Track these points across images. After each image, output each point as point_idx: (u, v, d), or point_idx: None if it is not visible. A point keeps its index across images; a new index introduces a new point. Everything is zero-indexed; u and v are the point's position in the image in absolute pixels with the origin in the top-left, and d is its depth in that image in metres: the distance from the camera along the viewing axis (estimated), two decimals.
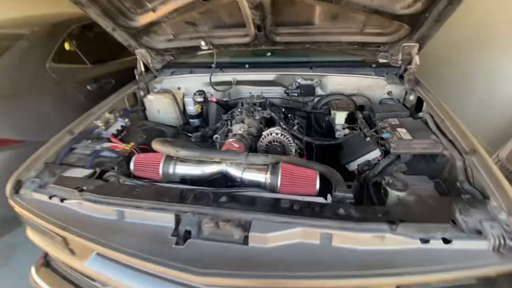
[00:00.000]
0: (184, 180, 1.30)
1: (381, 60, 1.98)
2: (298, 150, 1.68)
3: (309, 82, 2.11)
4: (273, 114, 1.77)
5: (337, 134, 1.77)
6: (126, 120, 2.02)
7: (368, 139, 1.54)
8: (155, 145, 1.29)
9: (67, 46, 2.74)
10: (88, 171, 1.38)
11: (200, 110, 2.25)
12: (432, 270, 0.84)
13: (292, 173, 1.19)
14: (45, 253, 1.58)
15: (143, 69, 2.34)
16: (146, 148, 1.64)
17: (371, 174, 1.48)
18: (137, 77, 2.21)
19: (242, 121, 1.72)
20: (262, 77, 2.20)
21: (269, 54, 2.34)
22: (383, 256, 0.89)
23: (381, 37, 1.77)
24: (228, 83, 2.25)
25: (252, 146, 1.61)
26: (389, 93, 2.02)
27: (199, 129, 2.38)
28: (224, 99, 2.31)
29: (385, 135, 1.50)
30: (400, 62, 1.86)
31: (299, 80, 2.13)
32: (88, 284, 1.38)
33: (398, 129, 1.52)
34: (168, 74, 2.40)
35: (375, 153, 1.49)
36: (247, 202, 1.05)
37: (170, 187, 1.20)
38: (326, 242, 0.93)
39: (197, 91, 2.23)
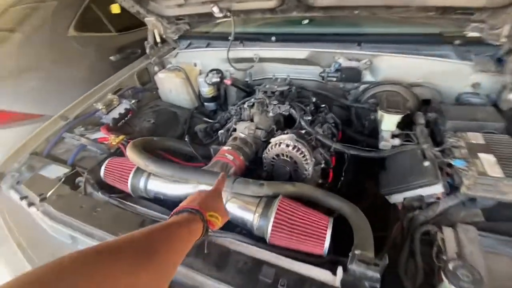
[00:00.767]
0: (158, 198, 1.02)
1: (470, 34, 1.30)
2: (322, 163, 1.25)
3: (353, 63, 1.55)
4: (293, 111, 1.33)
5: (382, 144, 1.26)
6: (132, 101, 1.80)
7: (427, 163, 1.03)
8: (128, 149, 1.02)
9: (115, 9, 2.40)
10: (66, 170, 1.21)
11: (212, 94, 1.90)
12: None
13: (291, 217, 0.81)
14: None
15: (158, 39, 2.05)
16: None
17: (422, 217, 1.00)
18: (147, 50, 1.93)
19: (252, 119, 1.33)
20: (291, 54, 1.71)
21: (305, 21, 1.80)
22: None
23: None
24: (250, 60, 1.82)
25: (258, 153, 1.24)
26: (475, 85, 1.36)
27: (216, 113, 2.08)
28: (246, 80, 1.90)
29: (456, 163, 0.97)
30: (504, 40, 1.18)
31: (340, 60, 1.58)
32: None
33: (480, 154, 0.97)
34: (184, 46, 2.06)
35: (435, 189, 0.98)
36: (214, 261, 0.73)
37: (132, 212, 0.94)
38: None
39: (212, 70, 1.86)
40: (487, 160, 0.94)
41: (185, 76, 1.88)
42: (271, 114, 1.31)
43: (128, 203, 1.00)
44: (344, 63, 1.57)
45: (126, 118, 1.76)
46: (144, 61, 1.99)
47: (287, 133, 1.16)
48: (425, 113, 1.31)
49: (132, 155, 0.99)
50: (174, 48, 2.10)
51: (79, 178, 1.13)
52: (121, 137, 1.36)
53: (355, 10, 1.34)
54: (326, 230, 0.79)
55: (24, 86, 2.11)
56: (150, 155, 0.98)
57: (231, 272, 0.70)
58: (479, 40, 1.30)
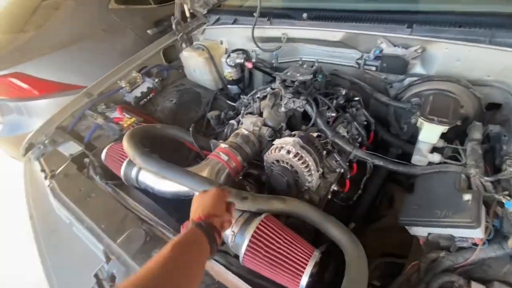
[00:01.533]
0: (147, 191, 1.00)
1: None
2: (339, 170, 1.08)
3: (399, 50, 1.24)
4: (308, 108, 1.14)
5: (415, 159, 1.01)
6: (156, 80, 1.79)
7: (468, 197, 0.78)
8: (124, 137, 1.00)
9: None
10: (80, 148, 1.26)
11: (234, 76, 1.77)
12: None
13: (269, 241, 0.70)
14: None
15: (187, 14, 1.96)
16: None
17: (447, 262, 0.79)
18: (173, 25, 1.85)
19: (261, 112, 1.19)
20: (324, 35, 1.45)
21: None
22: None
23: None
24: (277, 40, 1.61)
25: (262, 153, 1.11)
26: None
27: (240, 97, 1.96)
28: (272, 62, 1.72)
29: (508, 205, 0.71)
30: None
31: (382, 45, 1.28)
32: None
33: None
34: (213, 22, 1.93)
35: (473, 233, 0.75)
36: None
37: (121, 204, 0.93)
38: None
39: (235, 50, 1.72)
40: None
41: (208, 55, 1.77)
42: (283, 109, 1.14)
43: (121, 192, 1.00)
44: (387, 49, 1.27)
45: (148, 97, 1.77)
46: (171, 38, 1.93)
47: (294, 135, 1.00)
48: (486, 124, 1.00)
49: (125, 144, 0.97)
50: (203, 24, 1.98)
51: (86, 159, 1.16)
52: (132, 119, 1.36)
53: None
54: (305, 265, 0.66)
55: (71, 57, 2.27)
56: (141, 147, 0.93)
57: None
58: None
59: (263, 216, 0.75)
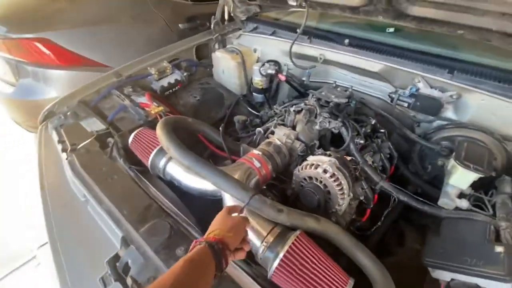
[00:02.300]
0: (172, 183, 0.97)
1: None
2: (360, 199, 1.07)
3: (436, 92, 1.27)
4: (343, 131, 1.14)
5: (443, 201, 1.01)
6: (185, 74, 1.78)
7: (501, 249, 0.78)
8: (158, 126, 0.98)
9: None
10: (103, 126, 1.23)
11: (262, 85, 1.78)
12: None
13: (304, 262, 0.67)
14: None
15: (226, 16, 1.98)
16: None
17: None
18: (212, 25, 1.87)
19: (294, 126, 1.19)
20: (362, 64, 1.48)
21: (390, 30, 1.54)
22: None
23: None
24: (313, 59, 1.64)
25: (291, 167, 1.10)
26: None
27: (263, 106, 1.96)
28: (303, 79, 1.74)
29: None
30: None
31: (419, 85, 1.31)
32: None
33: None
34: (250, 29, 1.96)
35: (500, 286, 0.74)
36: None
37: (144, 191, 0.90)
38: None
39: (269, 61, 1.73)
40: None
41: (241, 60, 1.78)
42: (317, 127, 1.14)
43: (144, 179, 0.96)
44: (424, 89, 1.30)
45: (174, 89, 1.76)
46: (206, 36, 1.94)
47: (329, 155, 0.99)
48: None
49: (160, 132, 0.94)
50: (239, 29, 2.00)
51: (110, 139, 1.13)
52: (160, 107, 1.33)
53: (460, 29, 1.07)
54: None
55: (97, 35, 2.25)
56: (176, 138, 0.91)
57: None
58: None
59: (298, 232, 0.73)
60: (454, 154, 1.01)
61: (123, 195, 0.87)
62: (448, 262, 0.83)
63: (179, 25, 2.64)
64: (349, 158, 1.05)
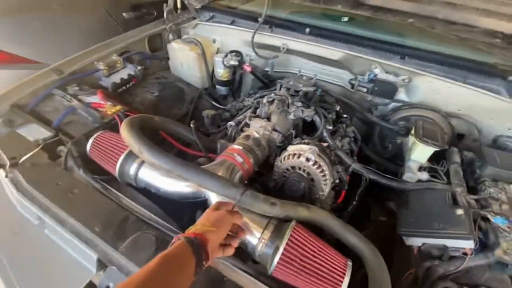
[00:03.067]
0: (147, 190, 0.87)
1: None
2: (336, 182, 1.12)
3: (391, 77, 1.39)
4: (317, 118, 1.17)
5: (407, 176, 1.12)
6: (138, 68, 1.62)
7: (461, 212, 0.89)
8: (123, 127, 0.86)
9: None
10: (49, 133, 1.04)
11: (226, 77, 1.72)
12: None
13: (304, 252, 0.67)
14: None
15: (179, 5, 1.84)
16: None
17: (441, 270, 0.88)
18: (165, 14, 1.72)
19: (268, 117, 1.18)
20: (324, 53, 1.53)
21: (345, 18, 1.61)
22: None
23: None
24: (276, 49, 1.63)
25: (270, 159, 1.09)
26: None
27: (226, 99, 1.91)
28: (266, 69, 1.72)
29: (496, 221, 0.84)
30: None
31: (376, 71, 1.41)
32: None
33: None
34: (206, 18, 1.85)
35: (466, 244, 0.85)
36: None
37: (116, 203, 0.79)
38: None
39: (232, 52, 1.68)
40: None
41: (201, 51, 1.69)
42: (291, 116, 1.15)
43: (113, 190, 0.85)
44: (381, 74, 1.40)
45: (128, 85, 1.58)
46: (159, 26, 1.79)
47: (308, 143, 1.01)
48: (461, 150, 1.17)
49: (126, 135, 0.83)
50: (194, 18, 1.89)
51: (61, 147, 0.97)
52: (118, 107, 1.19)
53: (410, 18, 1.16)
54: (343, 276, 0.65)
55: (25, 27, 1.89)
56: (148, 140, 0.82)
57: None
58: None
59: (293, 223, 0.72)
60: (414, 132, 1.12)
61: (91, 210, 0.76)
62: (419, 229, 0.93)
63: (123, 14, 2.38)
64: (325, 144, 1.08)
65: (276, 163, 0.99)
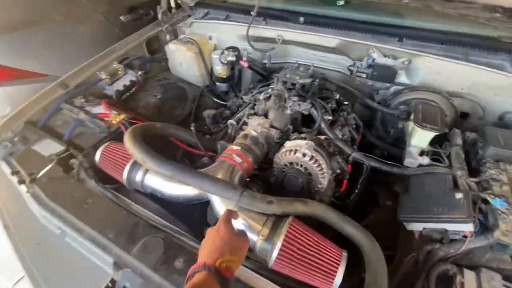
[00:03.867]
0: (155, 195, 0.94)
1: None
2: (337, 172, 1.14)
3: (389, 61, 1.36)
4: (314, 112, 1.18)
5: (408, 161, 1.12)
6: (139, 73, 1.66)
7: (460, 196, 0.90)
8: (126, 137, 0.92)
9: None
10: (62, 147, 1.11)
11: (225, 74, 1.73)
12: None
13: (300, 246, 0.72)
14: None
15: (173, 4, 1.85)
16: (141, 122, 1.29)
17: (441, 253, 0.90)
18: (159, 15, 1.74)
19: (266, 114, 1.20)
20: (319, 40, 1.51)
21: (340, 2, 1.56)
22: None
23: None
24: (271, 40, 1.62)
25: (269, 155, 1.12)
26: None
27: (228, 95, 1.93)
28: (264, 61, 1.72)
29: (494, 203, 0.84)
30: None
31: (374, 55, 1.38)
32: None
33: None
34: (201, 15, 1.85)
35: (465, 227, 0.87)
36: None
37: (127, 210, 0.86)
38: None
39: (228, 48, 1.68)
40: None
41: (197, 50, 1.70)
42: (288, 111, 1.16)
43: (123, 197, 0.92)
44: (379, 59, 1.38)
45: (131, 91, 1.64)
46: (155, 28, 1.81)
47: (304, 138, 1.03)
48: (463, 131, 1.15)
49: (129, 145, 0.89)
50: (189, 16, 1.89)
51: (73, 160, 1.04)
52: (122, 116, 1.25)
53: None
54: (338, 266, 0.69)
55: (28, 41, 1.96)
56: (150, 149, 0.87)
57: None
58: None
59: (290, 219, 0.76)
60: (412, 117, 1.11)
61: (104, 218, 0.83)
62: (418, 215, 0.94)
63: (121, 17, 2.40)
64: (322, 137, 1.10)
65: (275, 159, 1.03)
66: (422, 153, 1.13)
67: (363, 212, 1.41)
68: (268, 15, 1.58)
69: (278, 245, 0.71)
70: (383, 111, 1.40)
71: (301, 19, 1.51)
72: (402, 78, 1.41)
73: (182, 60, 1.79)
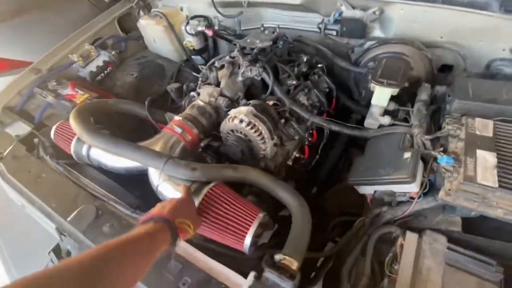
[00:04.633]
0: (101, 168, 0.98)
1: None
2: (297, 137, 1.09)
3: (358, 13, 1.22)
4: (265, 76, 1.12)
5: (367, 122, 1.04)
6: (112, 53, 1.68)
7: (408, 155, 0.83)
8: (71, 115, 0.95)
9: None
10: (29, 129, 1.19)
11: (196, 45, 1.69)
12: None
13: (217, 208, 0.72)
14: None
15: None
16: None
17: (388, 216, 0.85)
18: None
19: (219, 82, 1.16)
20: None
21: None
22: None
23: None
24: (239, 4, 1.53)
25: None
26: None
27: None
28: (235, 29, 1.65)
29: (441, 161, 0.76)
30: None
31: (342, 8, 1.25)
32: None
33: (479, 151, 0.74)
34: None
35: (408, 188, 0.81)
36: None
37: (74, 182, 0.91)
38: None
39: (194, 17, 1.62)
40: (484, 161, 0.72)
41: (166, 23, 1.66)
42: (240, 78, 1.12)
43: (73, 171, 0.97)
44: (347, 12, 1.24)
45: (105, 72, 1.67)
46: (126, 5, 1.78)
47: (249, 104, 0.99)
48: (434, 83, 1.03)
49: (72, 121, 0.92)
50: None
51: (36, 139, 1.11)
52: (86, 95, 1.28)
53: None
54: (249, 226, 0.69)
55: (15, 30, 2.05)
56: (87, 124, 0.90)
57: None
58: None
59: (212, 184, 0.76)
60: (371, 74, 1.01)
61: (52, 190, 0.89)
62: (366, 178, 0.89)
63: None
64: (271, 102, 1.05)
65: (221, 128, 1.01)
66: (385, 113, 1.04)
67: (337, 178, 1.37)
68: None
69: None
70: (354, 71, 1.29)
71: None
72: (376, 32, 1.27)
73: (154, 35, 1.76)
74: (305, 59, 1.31)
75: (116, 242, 0.48)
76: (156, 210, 0.62)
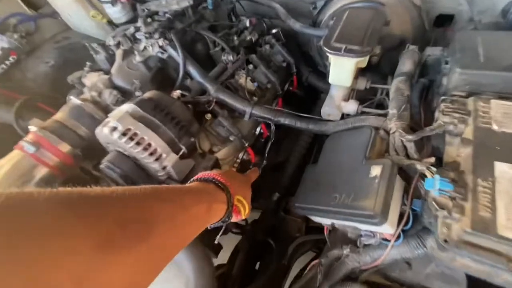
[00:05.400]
0: None
1: None
2: (231, 139, 0.76)
3: None
4: (172, 52, 0.76)
5: (323, 111, 0.70)
6: (15, 36, 1.30)
7: (376, 173, 0.49)
8: None
9: None
10: None
11: (123, 20, 1.29)
12: None
13: None
14: None
15: None
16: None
17: (351, 264, 0.55)
18: None
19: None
20: None
21: None
22: None
23: None
24: None
25: None
26: None
27: None
28: None
29: (429, 186, 0.43)
30: None
31: None
32: None
33: (501, 164, 0.40)
34: None
35: (380, 228, 0.48)
36: None
37: None
38: None
39: None
40: (510, 186, 0.38)
41: None
42: (138, 58, 0.76)
43: None
44: None
45: (7, 62, 1.30)
46: None
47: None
48: (424, 48, 0.67)
49: None
50: None
51: None
52: None
53: None
54: None
55: None
56: None
57: None
58: None
59: None
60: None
61: None
62: (316, 206, 0.56)
63: None
64: (177, 92, 0.69)
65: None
66: (350, 97, 0.69)
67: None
68: None
69: None
70: (312, 35, 0.91)
71: None
72: None
73: (68, 10, 1.37)
74: (247, 24, 0.94)
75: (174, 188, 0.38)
76: (216, 174, 0.46)
